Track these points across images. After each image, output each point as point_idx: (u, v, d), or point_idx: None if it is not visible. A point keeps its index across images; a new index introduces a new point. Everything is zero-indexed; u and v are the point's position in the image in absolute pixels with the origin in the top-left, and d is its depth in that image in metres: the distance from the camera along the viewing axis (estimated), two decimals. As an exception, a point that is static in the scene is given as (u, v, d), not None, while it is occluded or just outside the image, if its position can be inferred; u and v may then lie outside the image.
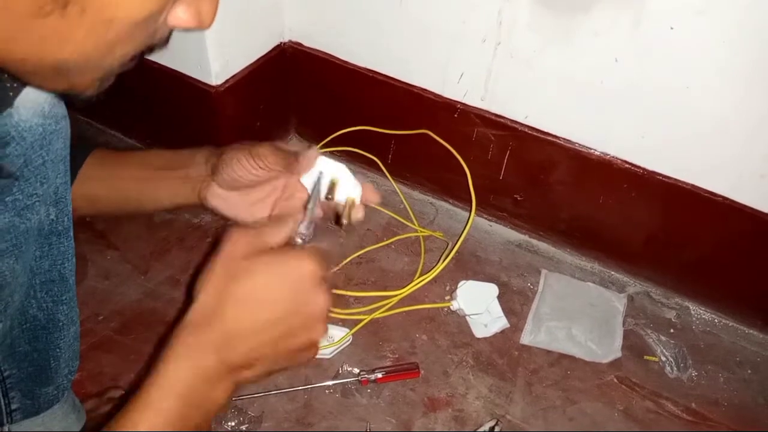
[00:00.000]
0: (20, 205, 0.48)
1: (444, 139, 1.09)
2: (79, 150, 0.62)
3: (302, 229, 0.50)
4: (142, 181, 0.65)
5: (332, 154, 0.60)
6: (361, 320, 0.98)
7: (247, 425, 0.86)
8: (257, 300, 0.45)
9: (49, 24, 0.31)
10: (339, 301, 1.01)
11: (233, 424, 0.86)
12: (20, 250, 0.50)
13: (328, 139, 1.20)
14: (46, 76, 0.36)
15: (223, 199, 0.62)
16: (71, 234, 0.57)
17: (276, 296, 0.45)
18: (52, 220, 0.54)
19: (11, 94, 0.45)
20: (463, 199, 1.14)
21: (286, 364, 0.48)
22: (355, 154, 1.21)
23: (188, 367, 0.43)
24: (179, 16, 0.36)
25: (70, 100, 0.48)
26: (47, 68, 0.35)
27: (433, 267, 1.04)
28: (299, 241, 0.50)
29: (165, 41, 0.38)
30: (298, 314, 0.46)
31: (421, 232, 1.13)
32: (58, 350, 0.63)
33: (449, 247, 1.08)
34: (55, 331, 0.62)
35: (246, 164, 0.59)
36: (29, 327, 0.59)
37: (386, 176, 1.20)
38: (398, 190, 1.20)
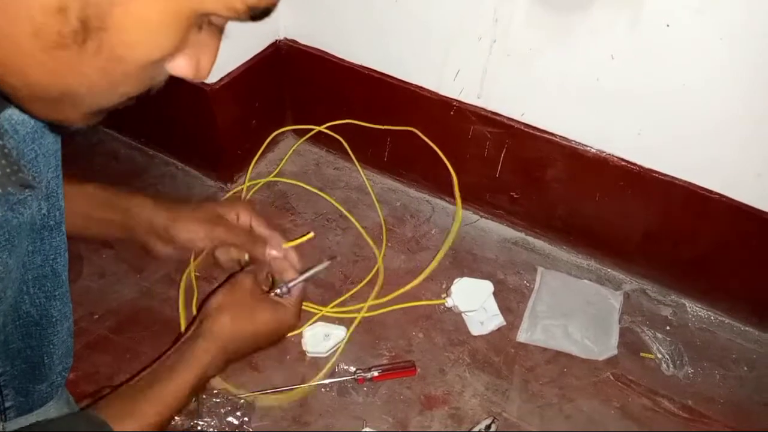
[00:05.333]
0: (13, 200, 0.48)
1: (439, 137, 1.09)
2: None
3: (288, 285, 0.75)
4: (86, 219, 0.71)
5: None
6: (356, 318, 0.98)
7: (243, 423, 0.86)
8: (256, 329, 0.71)
9: (65, 56, 0.32)
10: (334, 299, 1.01)
11: (231, 420, 0.86)
12: (13, 245, 0.50)
13: (315, 131, 1.20)
14: (44, 105, 0.36)
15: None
16: (63, 229, 0.57)
17: (266, 330, 0.72)
18: (44, 214, 0.54)
19: None
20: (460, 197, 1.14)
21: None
22: (351, 151, 1.21)
23: (207, 362, 0.65)
24: (179, 65, 0.37)
25: (56, 128, 0.49)
26: (49, 97, 0.35)
27: (429, 264, 1.05)
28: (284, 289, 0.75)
29: (161, 85, 0.39)
30: (275, 338, 0.75)
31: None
32: (51, 346, 0.63)
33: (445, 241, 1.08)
34: (48, 327, 0.61)
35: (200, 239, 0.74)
36: (22, 323, 0.59)
37: (382, 174, 1.20)
38: (394, 188, 1.19)
